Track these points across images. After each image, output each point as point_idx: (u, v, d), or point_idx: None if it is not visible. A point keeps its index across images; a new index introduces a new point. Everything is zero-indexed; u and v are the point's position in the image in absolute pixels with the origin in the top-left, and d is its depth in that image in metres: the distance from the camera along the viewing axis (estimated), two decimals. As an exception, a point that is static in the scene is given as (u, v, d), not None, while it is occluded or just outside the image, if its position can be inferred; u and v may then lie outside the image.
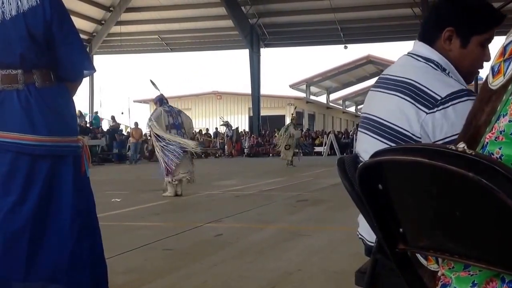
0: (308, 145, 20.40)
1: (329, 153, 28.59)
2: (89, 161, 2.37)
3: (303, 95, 44.09)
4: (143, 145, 24.94)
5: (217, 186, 10.84)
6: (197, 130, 34.41)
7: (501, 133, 1.02)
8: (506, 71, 1.07)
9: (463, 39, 1.71)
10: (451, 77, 1.67)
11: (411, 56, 1.79)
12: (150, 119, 8.81)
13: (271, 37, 32.91)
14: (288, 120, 38.82)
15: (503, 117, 1.03)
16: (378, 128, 1.76)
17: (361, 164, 1.13)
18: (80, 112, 26.40)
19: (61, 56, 2.21)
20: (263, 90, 34.08)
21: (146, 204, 7.72)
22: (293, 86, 45.82)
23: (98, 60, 35.40)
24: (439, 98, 1.58)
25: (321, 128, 38.54)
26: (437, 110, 1.57)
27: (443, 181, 0.96)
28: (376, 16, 29.62)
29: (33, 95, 2.14)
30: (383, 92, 1.78)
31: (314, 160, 19.72)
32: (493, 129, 1.04)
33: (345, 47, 33.31)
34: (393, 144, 1.65)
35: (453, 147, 0.95)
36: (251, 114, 34.87)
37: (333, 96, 51.60)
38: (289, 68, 76.82)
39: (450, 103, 1.56)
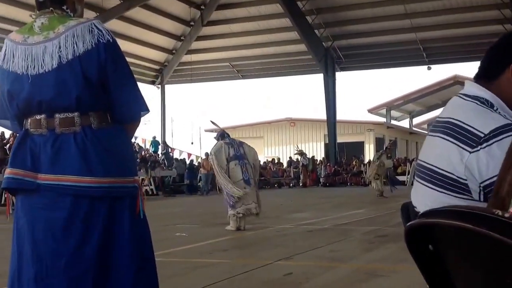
0: (395, 180, 20.26)
1: (413, 182, 27.86)
2: (144, 202, 2.42)
3: (383, 120, 43.48)
4: (214, 176, 25.37)
5: (289, 219, 10.85)
6: (269, 159, 34.72)
7: None
8: None
9: None
10: (499, 113, 1.66)
11: (459, 96, 1.80)
12: (210, 153, 9.12)
13: (347, 60, 32.79)
14: (367, 147, 38.55)
15: None
16: (428, 174, 1.75)
17: (407, 225, 1.15)
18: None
19: (116, 99, 2.29)
20: (339, 116, 33.92)
21: (214, 239, 7.83)
22: (372, 111, 45.30)
23: (170, 90, 36.56)
24: (482, 135, 1.56)
25: (404, 155, 37.76)
26: (481, 148, 1.55)
27: (490, 247, 0.96)
28: (462, 34, 28.94)
29: (89, 137, 2.22)
30: (431, 135, 1.79)
31: (397, 190, 19.32)
32: None
33: (429, 68, 32.70)
34: (442, 191, 1.64)
35: (500, 212, 0.95)
36: (327, 141, 34.71)
37: (416, 120, 50.58)
38: (367, 91, 76.02)
39: (493, 140, 1.53)
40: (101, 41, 2.22)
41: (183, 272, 5.14)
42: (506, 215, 0.95)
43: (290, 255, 6.23)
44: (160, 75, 34.03)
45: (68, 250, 2.17)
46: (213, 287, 4.61)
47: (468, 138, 1.59)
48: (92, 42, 2.21)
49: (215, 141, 9.66)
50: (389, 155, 19.53)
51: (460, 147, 1.60)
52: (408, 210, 2.02)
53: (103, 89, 2.26)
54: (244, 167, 8.88)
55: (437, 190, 1.67)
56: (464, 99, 1.75)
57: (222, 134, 9.47)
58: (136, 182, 2.35)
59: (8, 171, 2.27)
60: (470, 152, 1.57)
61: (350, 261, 5.85)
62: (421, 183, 1.79)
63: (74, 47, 2.20)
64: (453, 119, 1.68)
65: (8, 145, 20.41)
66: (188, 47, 31.91)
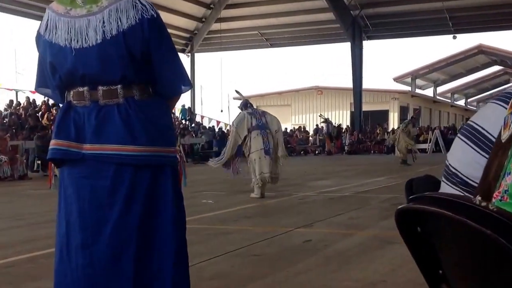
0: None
1: (434, 150, 27.84)
2: (186, 170, 2.46)
3: (408, 88, 42.99)
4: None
5: (312, 187, 10.93)
6: (296, 127, 34.72)
7: (505, 193, 1.03)
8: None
9: None
10: None
11: None
12: (232, 124, 9.23)
13: (374, 28, 32.42)
14: (391, 116, 38.25)
15: (508, 175, 1.03)
16: (469, 132, 1.74)
17: (397, 209, 1.20)
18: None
19: (159, 73, 2.27)
20: (365, 84, 33.66)
21: (239, 206, 7.95)
22: (397, 79, 44.83)
23: (199, 58, 36.58)
24: None
25: (427, 124, 37.43)
26: None
27: (466, 233, 1.00)
28: (489, 3, 28.31)
29: (132, 107, 2.21)
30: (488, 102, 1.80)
31: (418, 158, 19.22)
32: (500, 186, 1.05)
33: (454, 37, 32.20)
34: (475, 148, 1.65)
35: (477, 201, 0.99)
36: (353, 110, 34.54)
37: (440, 89, 49.90)
38: (393, 60, 75.06)
39: None
40: (145, 16, 2.19)
41: (206, 239, 5.25)
42: (483, 204, 0.98)
43: (310, 222, 6.32)
44: (190, 44, 34.07)
45: (112, 218, 2.19)
46: (234, 254, 4.71)
47: None
48: (136, 17, 2.18)
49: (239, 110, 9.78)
50: (414, 123, 19.67)
51: (506, 109, 1.61)
52: (411, 187, 2.03)
53: (146, 63, 2.25)
54: (266, 136, 8.94)
55: (471, 147, 1.68)
56: None
57: (245, 104, 9.54)
58: (177, 152, 2.36)
59: (53, 142, 2.28)
60: None
61: (367, 229, 5.90)
62: (460, 138, 1.79)
63: (118, 22, 2.17)
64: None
65: (40, 112, 20.71)
66: (218, 15, 31.77)
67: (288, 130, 32.79)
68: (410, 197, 1.20)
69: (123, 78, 2.21)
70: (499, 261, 0.97)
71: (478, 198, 1.13)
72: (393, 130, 30.65)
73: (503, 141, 1.12)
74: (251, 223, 6.54)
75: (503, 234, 0.92)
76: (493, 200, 1.08)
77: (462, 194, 1.23)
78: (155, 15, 2.23)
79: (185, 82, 2.38)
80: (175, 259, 2.26)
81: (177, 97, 2.48)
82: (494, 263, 1.00)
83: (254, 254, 4.70)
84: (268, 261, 4.45)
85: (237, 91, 11.25)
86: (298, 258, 4.52)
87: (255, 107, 10.30)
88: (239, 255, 4.68)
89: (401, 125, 19.81)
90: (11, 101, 22.54)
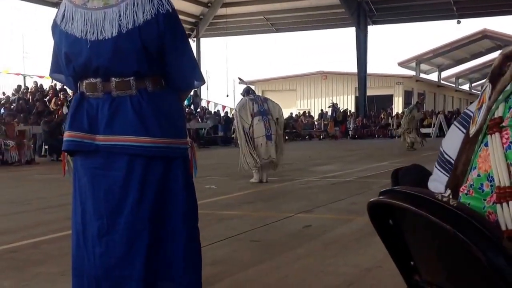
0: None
1: (438, 134, 27.85)
2: (196, 162, 2.47)
3: (412, 73, 42.79)
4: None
5: (315, 172, 10.97)
6: (301, 112, 34.70)
7: (471, 187, 1.07)
8: (478, 120, 1.11)
9: None
10: None
11: None
12: (235, 109, 9.31)
13: (379, 13, 32.18)
14: (396, 100, 38.13)
15: (473, 170, 1.07)
16: (465, 120, 1.78)
17: (369, 202, 1.24)
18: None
19: (172, 68, 2.28)
20: (370, 69, 33.54)
21: (241, 192, 8.02)
22: (402, 64, 44.60)
23: (205, 43, 36.43)
24: None
25: (431, 108, 37.32)
26: None
27: (430, 228, 1.05)
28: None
29: (145, 98, 2.23)
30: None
31: (425, 143, 19.21)
32: (467, 180, 1.09)
33: (458, 22, 31.96)
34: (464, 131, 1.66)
35: (439, 197, 1.03)
36: (357, 94, 34.44)
37: (445, 73, 49.63)
38: (398, 45, 74.68)
39: None
40: (161, 11, 2.20)
41: (207, 224, 5.30)
42: (445, 199, 1.02)
43: (311, 207, 6.36)
44: (196, 28, 33.92)
45: (126, 209, 2.23)
46: (235, 239, 4.77)
47: None
48: (151, 12, 2.19)
49: (254, 90, 9.84)
50: (419, 108, 19.73)
51: None
52: (397, 177, 2.04)
53: (160, 57, 2.26)
54: (267, 123, 9.00)
55: (462, 132, 1.70)
56: None
57: (247, 91, 9.64)
58: (188, 144, 2.38)
59: (67, 134, 2.31)
60: None
61: (366, 214, 5.91)
62: (456, 126, 1.81)
63: (134, 16, 2.18)
64: None
65: (48, 97, 20.69)
66: (224, 0, 31.57)
67: (293, 115, 32.78)
68: (381, 191, 1.24)
69: (137, 71, 2.23)
70: (460, 255, 1.02)
71: (447, 192, 1.17)
72: (397, 114, 30.67)
73: (470, 135, 1.15)
74: (253, 208, 6.60)
75: (462, 230, 0.96)
76: (460, 193, 1.11)
77: (428, 189, 1.27)
78: (170, 10, 2.23)
79: (197, 77, 2.40)
80: (185, 250, 2.30)
81: (189, 90, 2.51)
82: (455, 256, 1.05)
83: (254, 239, 4.75)
84: (267, 247, 4.50)
85: (240, 78, 11.38)
86: (297, 243, 4.57)
87: (260, 91, 10.39)
88: (239, 240, 4.74)
89: (405, 110, 19.85)
90: (19, 86, 22.56)
